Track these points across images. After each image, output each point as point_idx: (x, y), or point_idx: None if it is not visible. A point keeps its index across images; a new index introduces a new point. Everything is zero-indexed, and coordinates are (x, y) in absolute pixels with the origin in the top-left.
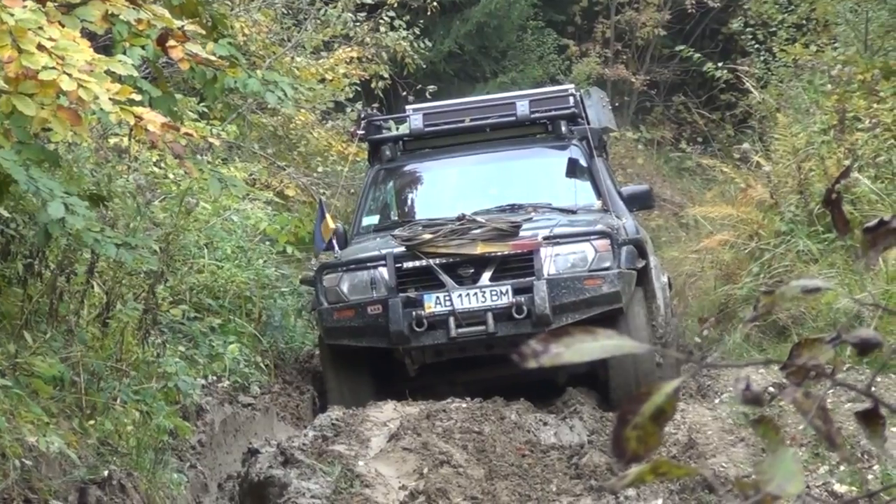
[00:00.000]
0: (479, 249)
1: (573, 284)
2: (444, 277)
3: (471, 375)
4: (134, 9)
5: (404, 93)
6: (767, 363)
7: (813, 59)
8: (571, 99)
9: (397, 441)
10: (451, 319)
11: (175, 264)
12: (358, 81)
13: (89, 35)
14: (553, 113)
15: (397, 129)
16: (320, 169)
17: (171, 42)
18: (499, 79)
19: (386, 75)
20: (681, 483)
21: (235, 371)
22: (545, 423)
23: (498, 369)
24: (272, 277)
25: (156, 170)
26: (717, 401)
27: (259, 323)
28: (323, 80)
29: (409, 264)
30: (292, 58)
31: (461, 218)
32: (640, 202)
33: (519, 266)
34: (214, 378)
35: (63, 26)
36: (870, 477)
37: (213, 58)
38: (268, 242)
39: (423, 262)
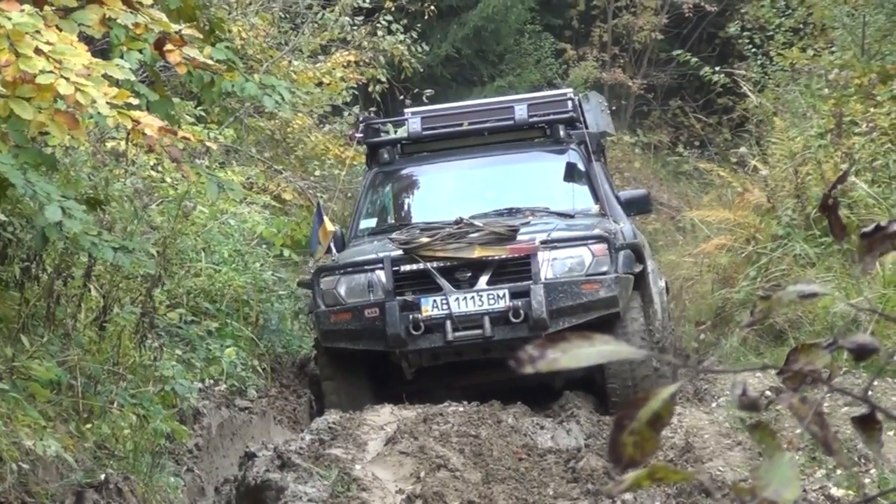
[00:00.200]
0: (477, 253)
1: (570, 288)
2: (442, 281)
3: (468, 379)
4: (131, 13)
5: (401, 97)
6: (764, 368)
7: (810, 63)
8: (570, 103)
9: (394, 445)
10: (448, 323)
11: (172, 268)
12: (355, 85)
13: (87, 39)
14: (551, 117)
15: (395, 132)
16: (317, 173)
17: (169, 46)
18: (496, 83)
19: (383, 79)
20: (678, 487)
21: (232, 375)
22: (542, 427)
23: (495, 373)
24: (269, 281)
25: (153, 173)
26: (714, 405)
27: (256, 327)
28: (320, 84)
29: (406, 268)
30: (290, 61)
31: (459, 221)
32: (638, 206)
33: (516, 270)
34: (211, 382)
35: (60, 30)
36: (867, 481)
37: (210, 62)
38: (264, 246)
39: (421, 266)
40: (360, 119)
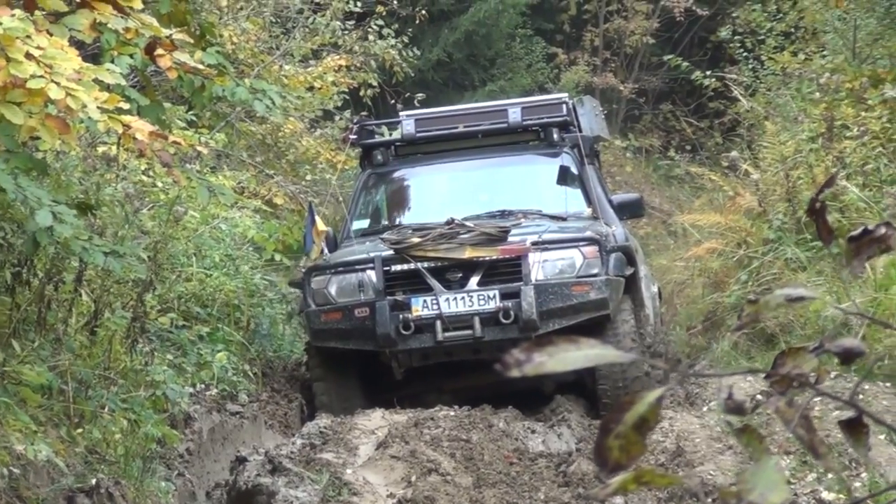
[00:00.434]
0: (468, 254)
1: (561, 290)
2: (432, 281)
3: (459, 383)
4: (122, 18)
5: (393, 101)
6: (751, 372)
7: (801, 68)
8: (564, 107)
9: (385, 449)
10: (438, 323)
11: (163, 273)
12: (346, 90)
13: (77, 44)
14: (545, 120)
15: (390, 134)
16: (309, 177)
17: (160, 51)
18: (487, 87)
19: (374, 84)
20: (668, 491)
21: (223, 379)
22: (533, 431)
23: (485, 376)
24: (260, 286)
25: (144, 178)
26: (705, 409)
27: (247, 331)
28: (311, 89)
29: (397, 267)
30: (281, 66)
31: (450, 222)
32: (630, 210)
33: (507, 271)
34: (202, 386)
35: (51, 35)
36: (857, 485)
37: (201, 66)
38: (253, 250)
39: (412, 266)
40: (355, 121)
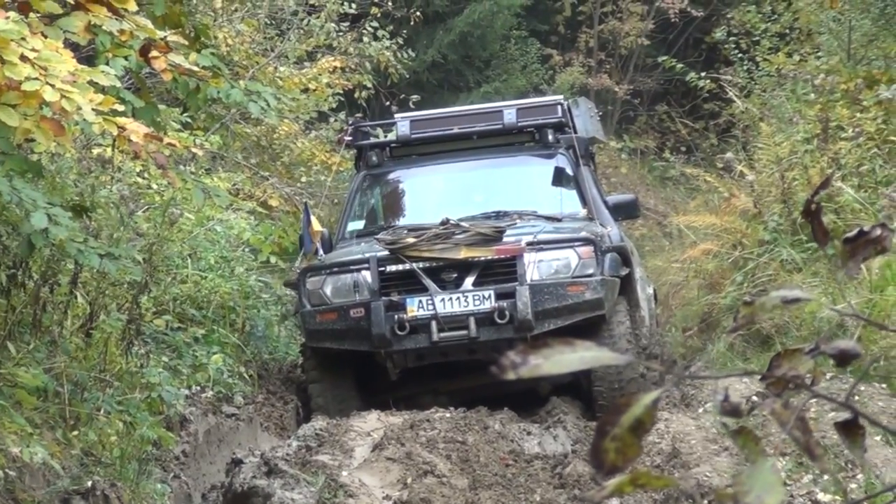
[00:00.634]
0: (463, 254)
1: (556, 290)
2: (427, 281)
3: (454, 384)
4: (116, 20)
5: (388, 103)
6: (747, 374)
7: (796, 69)
8: (559, 108)
9: (381, 451)
10: (434, 323)
11: (158, 275)
12: (341, 91)
13: (72, 46)
14: (540, 122)
15: (385, 136)
16: (304, 179)
17: (154, 53)
18: (482, 88)
19: (369, 85)
20: (664, 493)
21: (219, 381)
22: (529, 433)
23: (481, 377)
24: (255, 288)
25: (139, 180)
26: (700, 410)
27: (243, 333)
28: (306, 90)
29: (392, 268)
30: (275, 68)
31: (445, 223)
32: (625, 211)
33: (502, 271)
34: (198, 388)
35: (46, 37)
36: (853, 486)
37: (195, 68)
38: (248, 251)
39: (407, 266)
40: (350, 122)
